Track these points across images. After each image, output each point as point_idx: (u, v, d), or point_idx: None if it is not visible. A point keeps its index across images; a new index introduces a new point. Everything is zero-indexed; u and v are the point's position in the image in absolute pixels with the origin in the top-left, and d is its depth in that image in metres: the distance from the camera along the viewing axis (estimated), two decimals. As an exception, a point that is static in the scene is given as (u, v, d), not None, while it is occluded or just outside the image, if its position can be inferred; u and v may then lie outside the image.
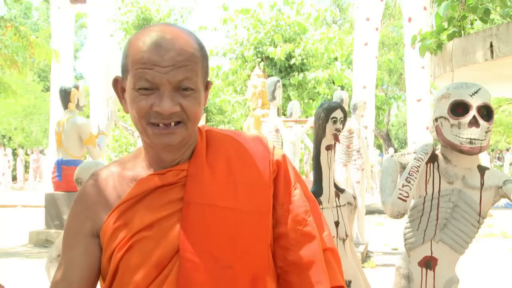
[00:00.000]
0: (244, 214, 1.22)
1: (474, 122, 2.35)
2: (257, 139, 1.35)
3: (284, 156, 1.33)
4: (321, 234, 1.32)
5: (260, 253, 1.22)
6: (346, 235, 3.34)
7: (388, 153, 24.69)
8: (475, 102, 2.36)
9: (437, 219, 2.50)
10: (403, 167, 2.57)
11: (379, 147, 29.61)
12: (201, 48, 1.23)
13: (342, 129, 3.31)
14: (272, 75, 15.75)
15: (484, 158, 18.83)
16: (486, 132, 2.36)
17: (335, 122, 3.24)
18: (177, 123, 1.18)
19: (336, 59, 17.81)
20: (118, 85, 1.26)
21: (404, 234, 2.58)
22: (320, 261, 1.26)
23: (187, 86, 1.17)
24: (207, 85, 1.27)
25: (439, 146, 2.58)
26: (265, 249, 1.23)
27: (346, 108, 6.48)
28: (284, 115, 12.06)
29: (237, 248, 1.20)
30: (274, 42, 17.01)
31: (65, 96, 7.81)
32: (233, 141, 1.32)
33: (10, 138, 32.19)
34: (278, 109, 8.48)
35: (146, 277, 1.18)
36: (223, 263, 1.18)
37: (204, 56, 1.23)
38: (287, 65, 17.03)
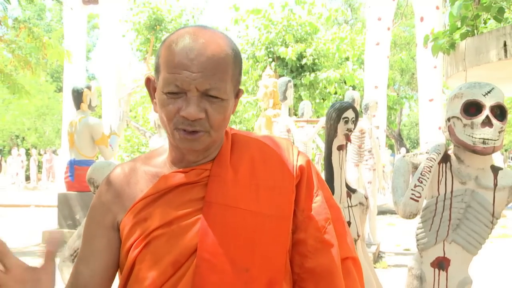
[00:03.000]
0: (264, 217, 1.21)
1: (487, 122, 2.33)
2: (283, 143, 1.34)
3: (308, 162, 1.32)
4: (344, 242, 1.31)
5: (278, 257, 1.21)
6: (358, 236, 3.34)
7: (400, 153, 24.56)
8: (488, 102, 2.34)
9: (449, 220, 2.48)
10: (415, 167, 2.55)
11: (391, 147, 29.48)
12: (235, 55, 1.21)
13: (354, 129, 3.30)
14: (283, 75, 15.73)
15: (497, 158, 18.67)
16: (499, 132, 2.34)
17: (346, 122, 3.23)
18: (201, 131, 1.18)
19: (347, 59, 17.77)
20: (150, 84, 1.26)
21: (416, 235, 2.57)
22: (338, 271, 1.25)
23: (214, 95, 1.16)
24: (238, 93, 1.26)
25: (451, 146, 2.57)
26: (283, 254, 1.22)
27: (358, 108, 6.47)
28: (296, 115, 12.05)
29: (255, 251, 1.19)
30: (286, 42, 17.00)
31: (78, 96, 7.85)
32: (258, 145, 1.32)
33: (23, 138, 32.49)
34: (289, 109, 8.47)
35: (162, 274, 1.18)
36: (240, 266, 1.17)
37: (237, 64, 1.21)
38: (298, 65, 17.01)
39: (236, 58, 1.21)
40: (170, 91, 1.16)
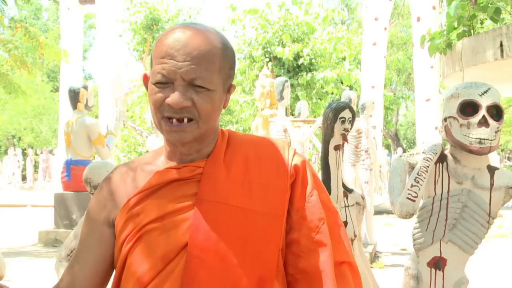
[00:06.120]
0: (256, 215, 1.21)
1: (483, 122, 2.33)
2: (279, 143, 1.34)
3: (304, 162, 1.31)
4: (341, 246, 1.29)
5: (269, 255, 1.21)
6: (355, 235, 3.34)
7: (396, 153, 24.60)
8: (484, 102, 2.34)
9: (446, 220, 2.49)
10: (412, 167, 2.56)
11: (387, 147, 29.51)
12: (225, 49, 1.23)
13: (351, 129, 3.30)
14: (280, 75, 15.74)
15: (493, 158, 18.71)
16: (495, 132, 2.34)
17: (343, 122, 3.24)
18: (189, 120, 1.19)
19: (344, 59, 17.77)
20: (147, 81, 1.28)
21: (413, 235, 2.57)
22: (330, 271, 1.23)
23: (200, 85, 1.18)
24: (229, 88, 1.28)
25: (448, 146, 2.57)
26: (275, 252, 1.22)
27: (355, 108, 6.47)
28: (293, 115, 12.04)
29: (246, 248, 1.19)
30: (282, 42, 16.99)
31: (74, 96, 7.84)
32: (254, 144, 1.33)
33: (19, 138, 32.43)
34: (286, 109, 8.47)
35: (152, 269, 1.19)
36: (230, 263, 1.18)
37: (226, 57, 1.23)
38: (295, 65, 17.00)
39: (225, 52, 1.23)
40: (158, 81, 1.19)
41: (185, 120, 1.19)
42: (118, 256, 1.26)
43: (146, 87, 1.29)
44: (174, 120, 1.19)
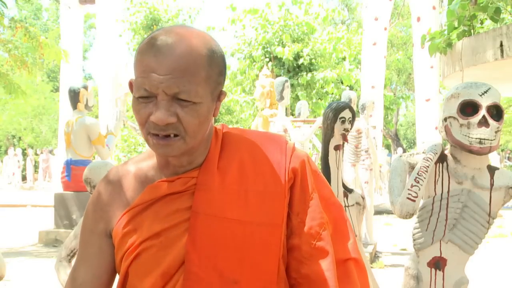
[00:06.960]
0: (254, 226, 1.16)
1: (483, 122, 2.33)
2: (276, 142, 1.27)
3: (303, 162, 1.25)
4: (346, 242, 1.27)
5: (269, 267, 1.17)
6: (355, 235, 3.34)
7: (396, 153, 24.60)
8: (484, 102, 2.34)
9: (446, 219, 2.49)
10: (412, 167, 2.56)
11: (387, 147, 29.50)
12: (211, 55, 1.14)
13: (351, 129, 3.30)
14: (280, 75, 15.75)
15: (493, 158, 18.70)
16: (496, 132, 2.34)
17: (343, 122, 3.24)
18: (176, 135, 1.13)
19: (344, 59, 17.78)
20: (132, 88, 1.23)
21: (413, 235, 2.57)
22: (333, 278, 1.20)
23: (185, 98, 1.10)
24: (219, 95, 1.19)
25: (448, 146, 2.57)
26: (275, 262, 1.18)
27: (355, 108, 6.47)
28: (293, 115, 12.04)
29: (244, 262, 1.15)
30: (282, 42, 17.00)
31: (74, 96, 7.84)
32: (250, 145, 1.26)
33: (20, 138, 32.42)
34: (286, 109, 8.48)
35: (153, 286, 1.17)
36: (229, 278, 1.14)
37: (213, 64, 1.14)
38: (295, 65, 17.01)
39: (212, 59, 1.14)
40: (140, 95, 1.12)
41: (172, 135, 1.13)
42: (119, 268, 1.24)
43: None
44: (160, 135, 1.13)
